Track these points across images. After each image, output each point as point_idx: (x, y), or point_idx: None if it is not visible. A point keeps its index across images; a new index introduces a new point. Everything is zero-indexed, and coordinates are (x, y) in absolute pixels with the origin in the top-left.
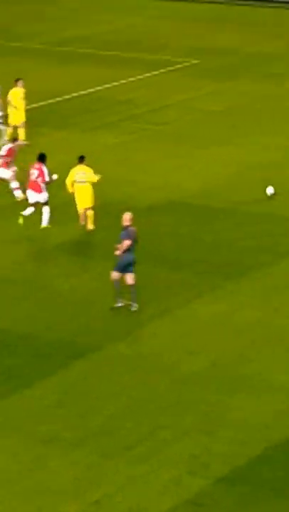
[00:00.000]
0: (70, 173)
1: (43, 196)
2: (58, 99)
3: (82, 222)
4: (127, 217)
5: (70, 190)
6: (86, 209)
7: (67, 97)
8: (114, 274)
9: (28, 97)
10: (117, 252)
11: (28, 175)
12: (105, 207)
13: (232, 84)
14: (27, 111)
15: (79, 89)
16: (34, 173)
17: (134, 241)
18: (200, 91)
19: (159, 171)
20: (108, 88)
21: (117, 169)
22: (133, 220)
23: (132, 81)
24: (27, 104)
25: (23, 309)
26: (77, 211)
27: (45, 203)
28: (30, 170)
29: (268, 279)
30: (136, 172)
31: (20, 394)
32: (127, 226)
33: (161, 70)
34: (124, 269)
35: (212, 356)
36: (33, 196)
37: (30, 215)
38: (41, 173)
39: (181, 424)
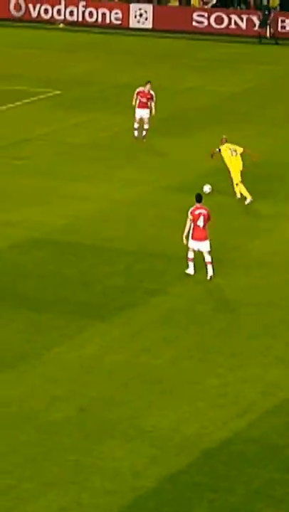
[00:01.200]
0: None
1: None
2: None
3: None
4: None
5: None
6: None
7: None
8: None
9: None
10: None
11: None
12: None
13: (95, 116)
14: None
15: None
16: None
17: None
18: (62, 123)
19: (20, 207)
20: None
21: None
22: None
23: None
24: None
25: None
26: None
27: None
28: None
29: (136, 318)
30: None
31: None
32: None
33: (22, 101)
34: None
35: (80, 402)
36: None
37: None
38: None
39: (48, 475)
